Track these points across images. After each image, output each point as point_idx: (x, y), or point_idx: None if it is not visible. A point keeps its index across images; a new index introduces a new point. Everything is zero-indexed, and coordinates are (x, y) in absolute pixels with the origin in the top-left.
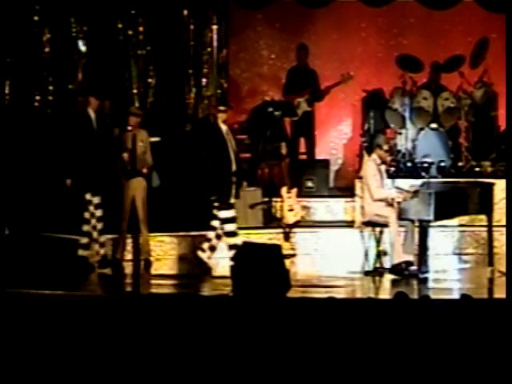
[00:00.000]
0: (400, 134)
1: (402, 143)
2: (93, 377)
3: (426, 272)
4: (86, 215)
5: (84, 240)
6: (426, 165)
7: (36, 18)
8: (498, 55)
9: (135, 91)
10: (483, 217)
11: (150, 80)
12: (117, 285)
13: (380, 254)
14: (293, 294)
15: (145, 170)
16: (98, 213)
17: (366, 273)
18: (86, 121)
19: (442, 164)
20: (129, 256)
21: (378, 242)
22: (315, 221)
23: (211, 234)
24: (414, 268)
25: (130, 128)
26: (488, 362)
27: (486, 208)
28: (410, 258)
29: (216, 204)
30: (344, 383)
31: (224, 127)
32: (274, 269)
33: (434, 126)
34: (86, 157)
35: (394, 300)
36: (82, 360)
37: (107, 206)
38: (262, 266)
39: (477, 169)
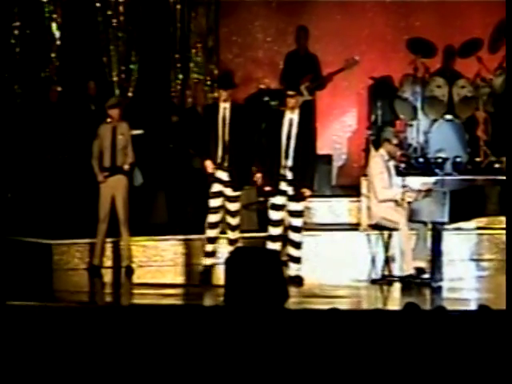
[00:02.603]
0: (411, 126)
1: (413, 136)
2: None
3: (440, 280)
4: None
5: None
6: (439, 160)
7: None
8: None
9: (115, 78)
10: (503, 219)
11: (131, 66)
12: (95, 295)
13: (388, 260)
14: (291, 304)
15: (126, 167)
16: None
17: (373, 281)
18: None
19: (458, 159)
20: (108, 263)
21: (387, 246)
22: (316, 223)
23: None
24: (426, 276)
25: (109, 120)
26: (507, 379)
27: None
28: (422, 264)
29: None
30: None
31: (289, 116)
32: (271, 277)
33: (448, 117)
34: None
35: (403, 311)
36: (60, 374)
37: (84, 207)
38: (258, 274)
39: (496, 165)
